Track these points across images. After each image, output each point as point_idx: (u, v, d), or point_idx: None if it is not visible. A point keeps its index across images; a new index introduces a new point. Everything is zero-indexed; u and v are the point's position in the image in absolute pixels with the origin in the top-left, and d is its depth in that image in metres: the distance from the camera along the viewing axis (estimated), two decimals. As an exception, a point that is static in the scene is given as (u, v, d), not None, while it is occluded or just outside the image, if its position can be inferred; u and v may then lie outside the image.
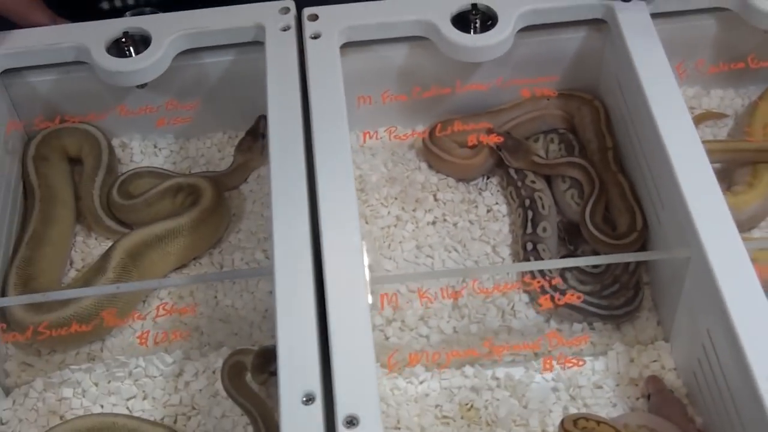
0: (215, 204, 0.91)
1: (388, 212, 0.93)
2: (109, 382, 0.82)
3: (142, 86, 0.93)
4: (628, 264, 0.84)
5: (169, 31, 0.89)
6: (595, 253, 0.87)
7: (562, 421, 0.72)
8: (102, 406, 0.81)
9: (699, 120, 0.96)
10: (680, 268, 0.75)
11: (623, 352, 0.81)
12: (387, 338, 0.83)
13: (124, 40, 0.88)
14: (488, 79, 0.94)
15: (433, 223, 0.93)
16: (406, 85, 0.94)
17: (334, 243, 0.71)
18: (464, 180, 0.96)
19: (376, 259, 0.89)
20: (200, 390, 0.81)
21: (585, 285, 0.85)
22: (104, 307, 0.82)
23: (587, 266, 0.86)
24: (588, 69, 0.95)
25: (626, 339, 0.83)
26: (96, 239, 0.95)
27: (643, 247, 0.85)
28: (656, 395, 0.77)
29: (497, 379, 0.81)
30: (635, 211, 0.86)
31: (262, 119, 0.99)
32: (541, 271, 0.83)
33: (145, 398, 0.81)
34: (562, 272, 0.85)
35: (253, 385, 0.79)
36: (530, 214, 0.89)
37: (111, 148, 0.98)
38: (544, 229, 0.88)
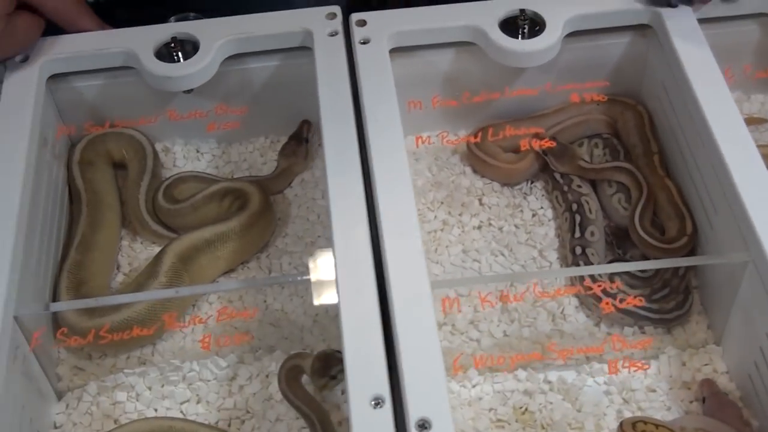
0: (263, 208, 0.91)
1: (435, 216, 0.93)
2: (162, 385, 0.82)
3: (188, 91, 0.94)
4: (677, 268, 0.85)
5: (217, 36, 0.90)
6: (644, 257, 0.87)
7: (621, 424, 0.73)
8: (156, 410, 0.81)
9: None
10: (736, 272, 0.75)
11: (675, 355, 0.82)
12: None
13: (173, 45, 0.89)
14: (531, 84, 0.94)
15: (479, 227, 0.93)
16: (450, 90, 0.94)
17: (395, 247, 0.71)
18: (509, 184, 0.96)
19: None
20: (254, 393, 0.81)
21: (634, 289, 0.85)
22: (157, 311, 0.82)
23: (636, 270, 0.86)
24: (631, 74, 0.96)
25: (677, 342, 0.83)
26: (141, 243, 0.95)
27: (692, 252, 0.86)
28: (711, 398, 0.77)
29: (549, 382, 0.81)
30: (684, 215, 0.86)
31: (306, 123, 0.99)
32: (591, 276, 0.84)
33: (198, 402, 0.81)
34: (611, 276, 0.85)
35: (309, 388, 0.79)
36: (578, 218, 0.90)
37: (155, 153, 0.98)
38: (592, 234, 0.89)
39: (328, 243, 0.91)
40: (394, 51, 0.89)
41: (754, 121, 0.98)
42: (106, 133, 0.97)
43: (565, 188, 0.92)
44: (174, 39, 0.89)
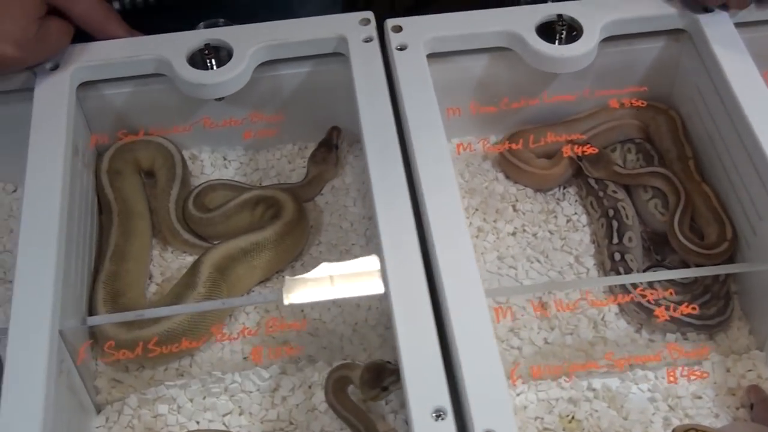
0: (298, 216, 0.90)
1: (470, 223, 0.93)
2: (204, 398, 0.81)
3: (219, 99, 0.92)
4: (718, 274, 0.84)
5: (251, 43, 0.89)
6: (683, 262, 0.87)
7: (674, 431, 0.72)
8: (198, 423, 0.80)
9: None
10: (783, 277, 0.75)
11: (719, 362, 0.81)
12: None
13: (206, 52, 0.88)
14: (564, 90, 0.94)
15: (514, 233, 0.93)
16: (483, 96, 0.94)
17: (447, 256, 0.71)
18: (542, 190, 0.96)
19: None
20: (297, 405, 0.80)
21: (675, 295, 0.85)
22: (197, 322, 0.81)
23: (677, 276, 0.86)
24: (663, 79, 0.96)
25: (720, 349, 0.83)
26: (172, 253, 0.94)
27: (732, 257, 0.85)
28: (759, 404, 0.77)
29: (594, 390, 0.80)
30: (724, 220, 0.86)
31: (335, 130, 0.98)
32: (633, 283, 0.83)
33: (241, 414, 0.80)
34: (651, 282, 0.85)
35: (354, 399, 0.78)
36: (615, 224, 0.89)
37: (184, 161, 0.97)
38: (630, 239, 0.89)
39: (362, 251, 0.91)
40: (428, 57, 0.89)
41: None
42: (135, 141, 0.95)
43: (600, 194, 0.92)
44: (207, 45, 0.88)
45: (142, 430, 0.79)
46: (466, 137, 0.98)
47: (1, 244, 0.94)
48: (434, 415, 0.63)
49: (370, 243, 0.91)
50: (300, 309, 0.87)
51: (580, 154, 0.91)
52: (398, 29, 0.89)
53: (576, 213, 0.94)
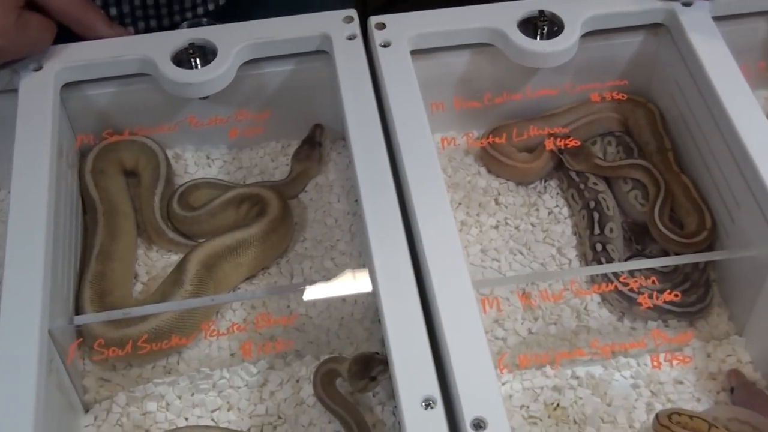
0: (283, 214, 0.91)
1: (454, 217, 0.93)
2: (192, 394, 0.81)
3: (204, 98, 0.93)
4: (697, 262, 0.86)
5: (235, 42, 0.89)
6: (664, 252, 0.89)
7: (657, 416, 0.74)
8: (186, 419, 0.80)
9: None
10: (761, 265, 0.77)
11: (700, 347, 0.83)
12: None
13: (191, 51, 0.88)
14: (545, 85, 0.95)
15: (496, 227, 0.94)
16: (465, 91, 0.95)
17: (435, 249, 0.72)
18: (523, 183, 0.97)
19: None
20: (285, 399, 0.81)
21: (657, 284, 0.86)
22: (185, 319, 0.82)
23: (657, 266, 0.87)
24: (641, 72, 0.97)
25: (701, 335, 0.85)
26: (157, 252, 0.94)
27: (711, 245, 0.87)
28: (740, 388, 0.79)
29: (578, 378, 0.82)
30: (703, 209, 0.88)
31: (318, 127, 0.99)
32: (615, 273, 0.85)
33: (230, 409, 0.81)
34: (632, 272, 0.86)
35: (342, 392, 0.79)
36: (596, 215, 0.91)
37: (168, 161, 0.97)
38: (611, 230, 0.90)
39: (348, 246, 0.92)
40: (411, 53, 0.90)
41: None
42: (118, 141, 0.96)
43: (581, 186, 0.93)
44: (191, 45, 0.89)
45: (131, 428, 0.79)
46: (450, 132, 0.99)
47: (-12, 246, 0.94)
48: (423, 404, 0.63)
49: (354, 239, 0.92)
50: (287, 305, 0.88)
51: (561, 147, 0.92)
52: (382, 26, 0.90)
53: (557, 205, 0.96)
